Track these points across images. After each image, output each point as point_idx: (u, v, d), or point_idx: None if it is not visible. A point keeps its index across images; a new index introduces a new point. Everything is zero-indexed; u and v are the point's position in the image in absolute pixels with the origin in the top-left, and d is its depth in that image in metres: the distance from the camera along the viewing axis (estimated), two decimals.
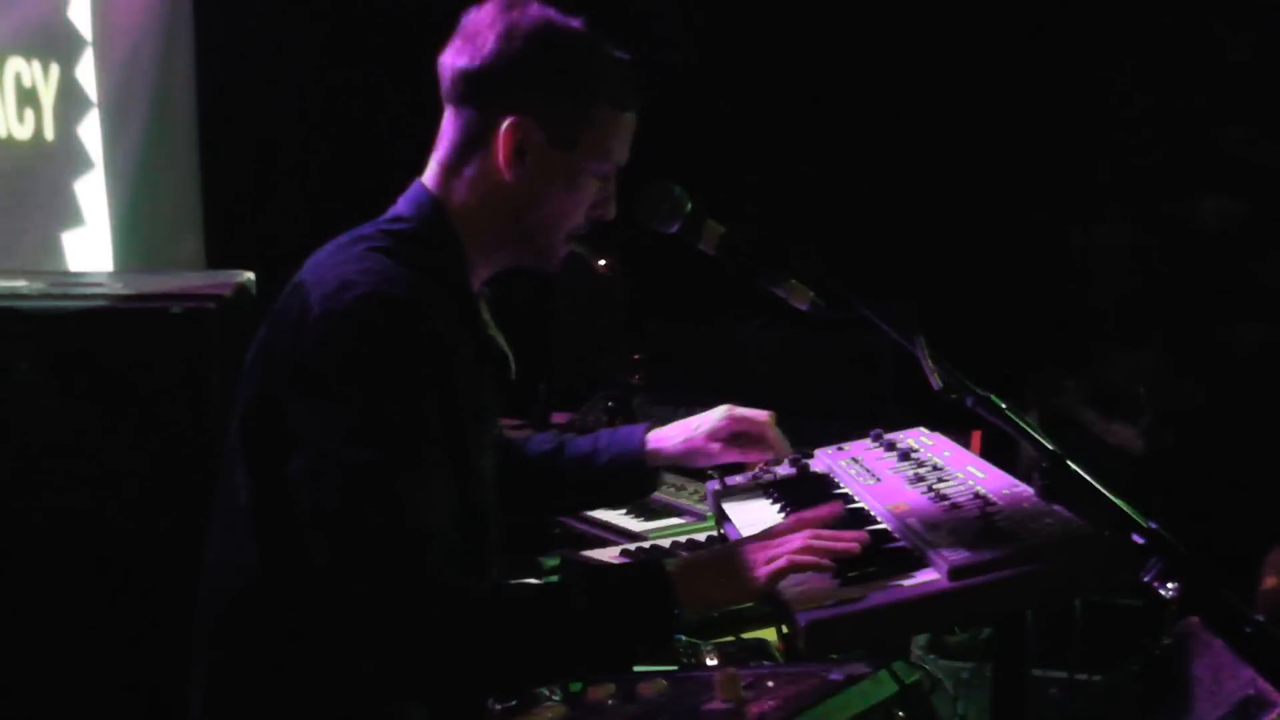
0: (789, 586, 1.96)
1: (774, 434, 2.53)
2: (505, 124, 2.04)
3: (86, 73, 4.61)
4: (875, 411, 4.74)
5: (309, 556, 1.90)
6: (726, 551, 2.01)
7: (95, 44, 4.65)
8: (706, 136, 6.98)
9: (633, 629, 1.89)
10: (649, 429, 2.55)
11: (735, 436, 2.53)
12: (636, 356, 4.94)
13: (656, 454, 2.53)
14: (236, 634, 2.06)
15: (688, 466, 2.62)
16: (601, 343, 5.06)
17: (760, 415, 2.52)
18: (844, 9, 7.06)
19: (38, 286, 3.18)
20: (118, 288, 3.29)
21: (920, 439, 2.50)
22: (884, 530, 2.11)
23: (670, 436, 2.52)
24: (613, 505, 3.44)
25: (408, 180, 2.18)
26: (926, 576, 1.88)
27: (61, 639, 2.93)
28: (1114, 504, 1.88)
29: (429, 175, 2.15)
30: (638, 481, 2.58)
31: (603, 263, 4.91)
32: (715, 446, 2.52)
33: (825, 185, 7.25)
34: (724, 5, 7.15)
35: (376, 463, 1.85)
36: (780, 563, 1.91)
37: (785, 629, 1.93)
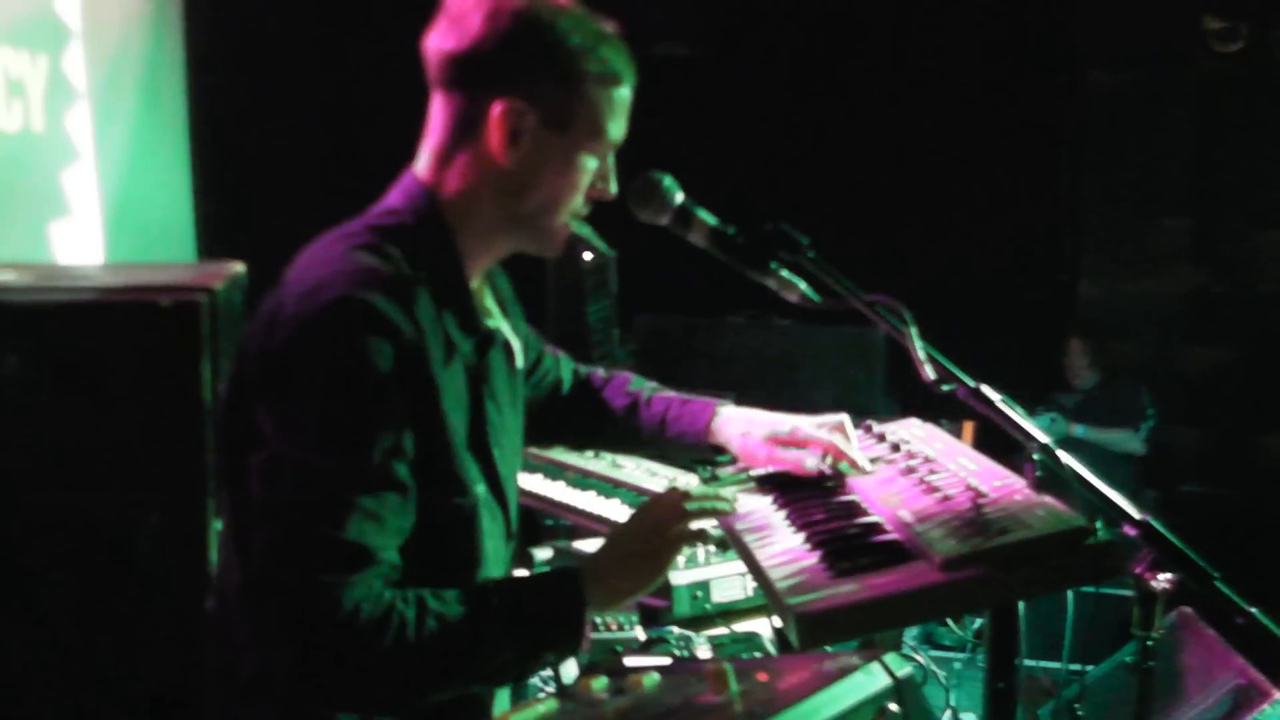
0: (781, 578, 1.96)
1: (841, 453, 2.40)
2: (498, 108, 2.00)
3: (75, 63, 4.60)
4: (867, 402, 4.76)
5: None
6: (621, 547, 2.07)
7: (84, 34, 4.63)
8: (699, 127, 7.00)
9: (544, 641, 1.97)
10: (720, 406, 2.52)
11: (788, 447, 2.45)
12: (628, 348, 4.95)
13: (716, 439, 2.51)
14: (234, 631, 2.05)
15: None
16: (593, 333, 5.05)
17: (827, 441, 2.39)
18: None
19: (25, 279, 3.17)
20: (106, 280, 3.28)
21: (912, 430, 2.50)
22: (876, 522, 2.10)
23: (741, 421, 2.49)
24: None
25: (402, 167, 2.15)
26: (918, 569, 1.88)
27: (51, 637, 2.91)
28: (1106, 495, 1.88)
29: (421, 165, 2.11)
30: (700, 454, 2.61)
31: (589, 256, 4.91)
32: (764, 452, 2.45)
33: (817, 175, 7.28)
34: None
35: (327, 471, 1.84)
36: (672, 541, 2.03)
37: (778, 620, 1.93)
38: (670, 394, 2.58)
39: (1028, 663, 2.06)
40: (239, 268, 3.37)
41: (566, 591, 1.98)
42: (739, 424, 2.47)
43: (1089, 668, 4.80)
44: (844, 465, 2.37)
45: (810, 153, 7.35)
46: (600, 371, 2.65)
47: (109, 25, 4.84)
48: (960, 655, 4.78)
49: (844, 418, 2.41)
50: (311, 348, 1.88)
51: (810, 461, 2.38)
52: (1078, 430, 6.62)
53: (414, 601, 1.87)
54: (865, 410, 4.61)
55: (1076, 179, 7.74)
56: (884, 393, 5.12)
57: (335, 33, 5.91)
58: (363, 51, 5.76)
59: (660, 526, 2.04)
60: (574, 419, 2.60)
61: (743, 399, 4.42)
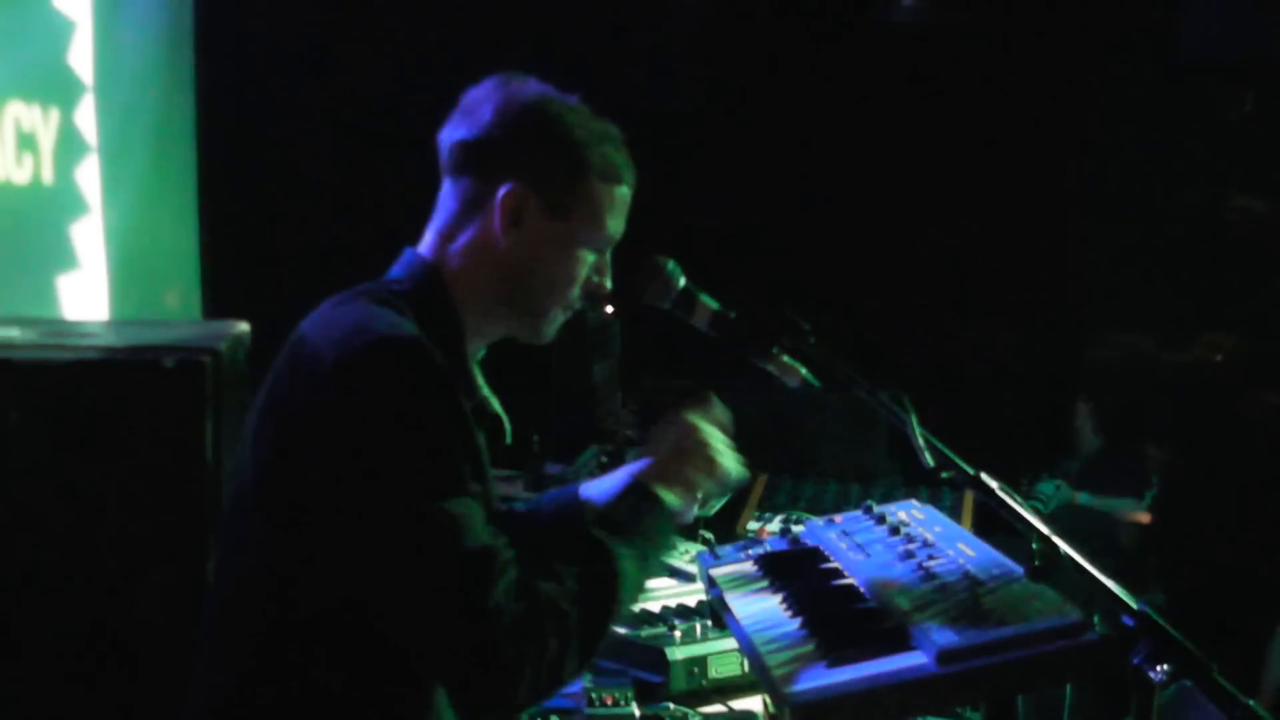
0: (777, 664, 1.96)
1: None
2: (502, 191, 2.07)
3: (86, 117, 4.62)
4: (870, 465, 4.74)
5: (336, 612, 1.93)
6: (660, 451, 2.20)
7: (96, 88, 4.66)
8: (701, 185, 7.03)
9: (655, 547, 2.09)
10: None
11: None
12: (631, 409, 4.94)
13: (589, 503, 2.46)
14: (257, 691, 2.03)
15: None
16: (597, 395, 5.05)
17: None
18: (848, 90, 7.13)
19: (30, 336, 3.18)
20: (111, 339, 3.29)
21: (912, 513, 2.50)
22: (872, 609, 2.10)
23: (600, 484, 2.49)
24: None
25: (410, 229, 2.19)
26: (914, 660, 1.88)
27: (52, 694, 2.91)
28: (1104, 585, 1.88)
29: (424, 244, 2.17)
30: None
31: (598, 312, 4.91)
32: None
33: (820, 230, 7.30)
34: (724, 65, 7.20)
35: (422, 497, 1.87)
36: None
37: (772, 707, 1.92)
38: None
39: None
40: (243, 327, 3.39)
41: (649, 501, 2.09)
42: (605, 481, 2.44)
43: None
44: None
45: (813, 208, 7.37)
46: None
47: (122, 79, 4.87)
48: None
49: (713, 399, 2.37)
50: (367, 386, 1.90)
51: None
52: (1081, 498, 6.60)
53: (546, 575, 1.92)
54: (867, 473, 4.61)
55: (1085, 240, 7.74)
56: (887, 455, 5.10)
57: (347, 91, 5.94)
58: (375, 111, 5.80)
59: (686, 436, 2.18)
60: None
61: (745, 462, 4.44)
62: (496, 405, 2.25)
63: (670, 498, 2.12)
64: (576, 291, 2.17)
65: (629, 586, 2.00)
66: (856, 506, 3.08)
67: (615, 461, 4.51)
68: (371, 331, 1.92)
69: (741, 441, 4.74)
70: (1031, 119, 7.22)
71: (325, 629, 1.97)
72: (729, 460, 2.21)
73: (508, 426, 2.29)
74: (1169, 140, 7.29)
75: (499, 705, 1.93)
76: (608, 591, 1.97)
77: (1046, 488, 6.57)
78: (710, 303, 2.25)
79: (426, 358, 1.92)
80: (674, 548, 2.08)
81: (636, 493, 2.11)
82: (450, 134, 2.13)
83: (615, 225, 2.16)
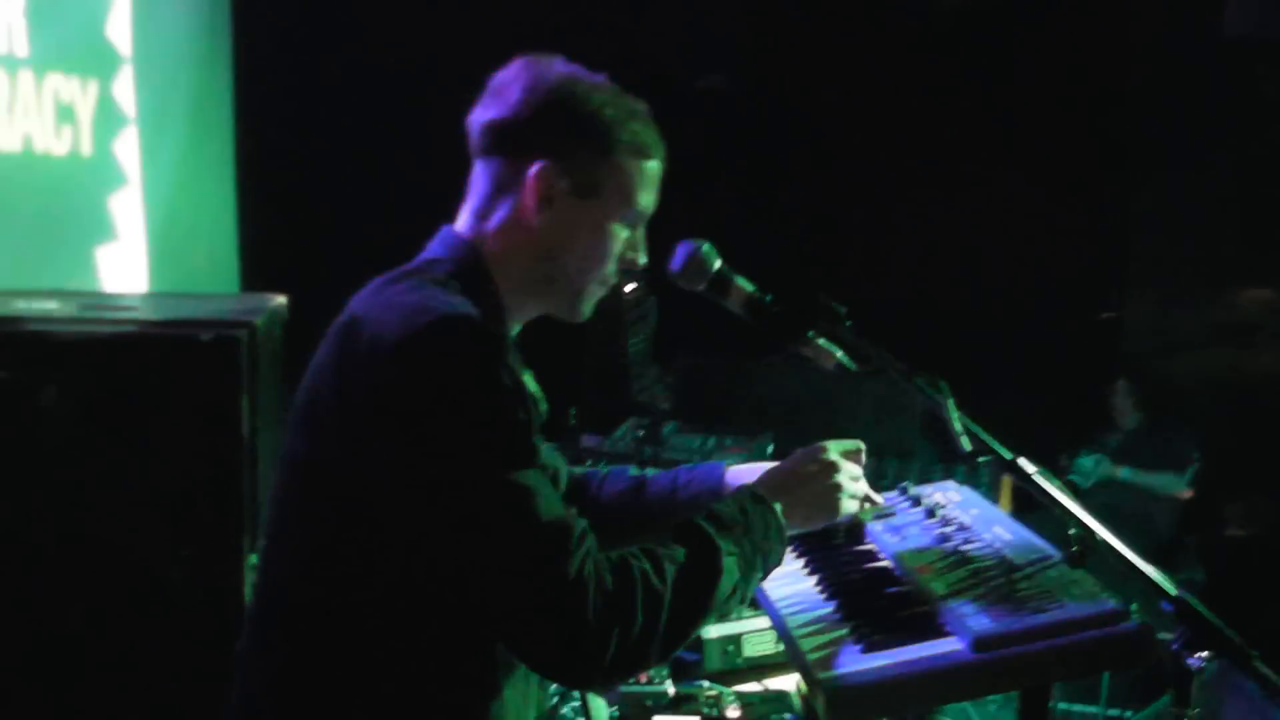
0: (811, 649, 1.94)
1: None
2: (532, 170, 2.07)
3: (125, 89, 4.64)
4: (906, 443, 4.73)
5: (398, 589, 1.93)
6: (784, 475, 2.18)
7: (134, 60, 4.67)
8: (738, 160, 7.00)
9: (763, 556, 2.03)
10: (728, 465, 2.51)
11: None
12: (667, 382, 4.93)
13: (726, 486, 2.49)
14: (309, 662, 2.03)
15: None
16: (633, 369, 5.05)
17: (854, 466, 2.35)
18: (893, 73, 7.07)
19: (68, 310, 3.19)
20: (148, 313, 3.30)
21: (948, 494, 2.47)
22: (908, 593, 2.08)
23: (750, 473, 2.48)
24: None
25: (446, 201, 2.19)
26: (949, 646, 1.86)
27: (82, 670, 2.93)
28: (1143, 572, 1.86)
29: (461, 223, 2.16)
30: None
31: (631, 286, 4.90)
32: None
33: (857, 204, 7.26)
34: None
35: (496, 472, 1.86)
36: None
37: (805, 692, 1.91)
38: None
39: (1064, 706, 2.03)
40: (280, 300, 3.39)
41: (762, 508, 2.06)
42: (754, 472, 2.45)
43: (1128, 714, 4.74)
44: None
45: (850, 182, 7.33)
46: (599, 470, 2.63)
47: (160, 51, 4.88)
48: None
49: (860, 444, 2.36)
50: (434, 366, 1.89)
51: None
52: (1122, 473, 6.55)
53: (643, 554, 1.91)
54: (904, 451, 4.60)
55: (1124, 211, 7.67)
56: (924, 431, 5.08)
57: (383, 62, 5.94)
58: (411, 82, 5.78)
59: (829, 469, 2.16)
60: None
61: (780, 440, 4.42)
62: (533, 384, 2.25)
63: (780, 512, 2.09)
64: (612, 268, 2.16)
65: (726, 585, 1.96)
66: (893, 482, 3.05)
67: (652, 435, 4.50)
68: (433, 311, 1.92)
69: (776, 418, 4.73)
70: (1070, 95, 7.17)
71: (390, 609, 1.96)
72: (849, 502, 2.19)
73: (543, 406, 2.28)
74: (1211, 111, 7.21)
75: (583, 676, 1.94)
76: (706, 585, 1.94)
77: (1086, 462, 6.53)
78: (746, 285, 2.23)
79: (490, 335, 1.93)
80: (779, 562, 2.04)
81: (751, 497, 2.09)
82: (479, 115, 2.13)
83: (647, 200, 2.15)
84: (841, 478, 2.17)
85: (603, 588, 1.83)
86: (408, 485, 1.90)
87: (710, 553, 1.95)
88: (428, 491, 1.89)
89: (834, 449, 2.20)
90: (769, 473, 2.19)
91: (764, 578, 2.05)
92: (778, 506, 2.08)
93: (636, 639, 1.86)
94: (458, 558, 1.89)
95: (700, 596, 1.94)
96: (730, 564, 1.96)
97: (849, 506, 2.19)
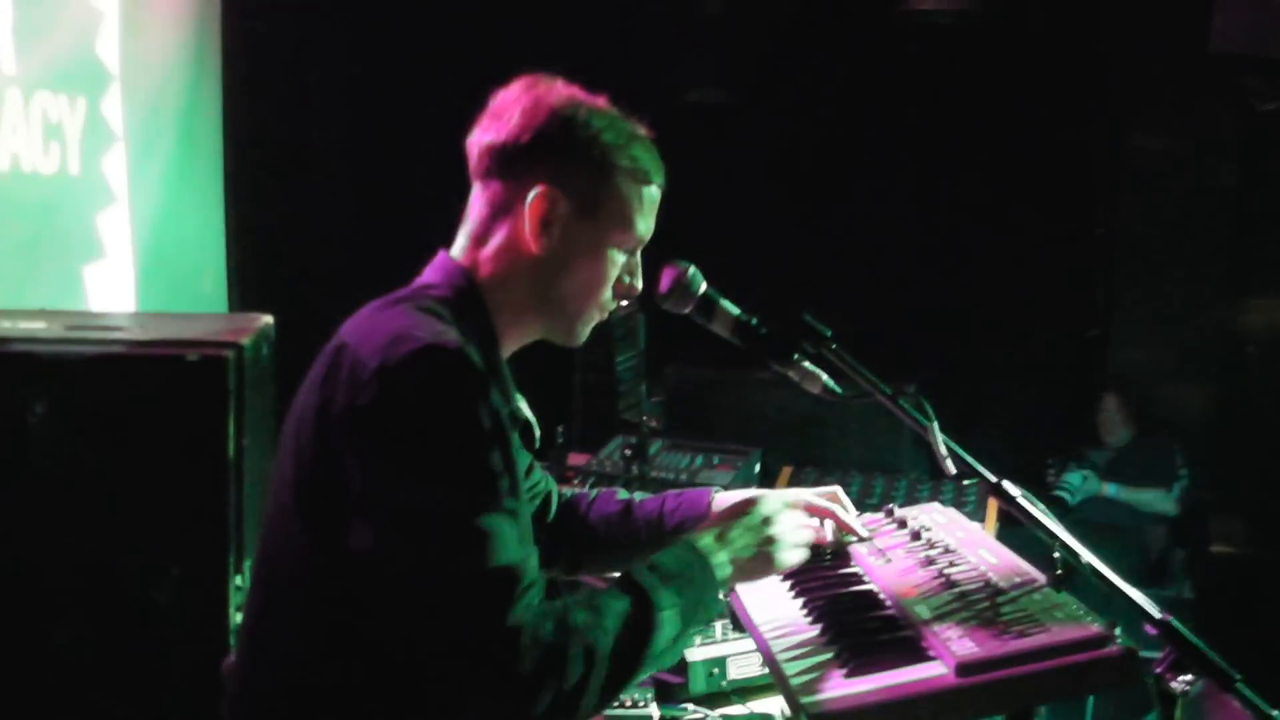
0: (795, 673, 1.95)
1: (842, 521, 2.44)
2: (532, 194, 2.07)
3: (113, 107, 4.63)
4: (893, 459, 4.72)
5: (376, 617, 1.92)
6: (728, 529, 2.13)
7: (123, 78, 4.66)
8: (731, 172, 7.00)
9: (701, 609, 2.02)
10: (716, 492, 2.51)
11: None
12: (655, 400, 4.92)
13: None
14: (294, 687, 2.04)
15: None
16: (620, 386, 5.04)
17: (826, 508, 2.42)
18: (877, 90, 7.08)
19: (55, 330, 3.18)
20: (135, 332, 3.29)
21: (934, 516, 2.48)
22: (892, 617, 2.08)
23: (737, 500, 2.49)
24: None
25: (437, 222, 2.19)
26: (933, 670, 1.87)
27: (68, 688, 2.92)
28: (1126, 595, 1.87)
29: (456, 248, 2.17)
30: None
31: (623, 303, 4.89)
32: None
33: (847, 222, 7.27)
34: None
35: (457, 508, 1.86)
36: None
37: (789, 715, 1.92)
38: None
39: None
40: (267, 320, 3.38)
41: (701, 560, 2.05)
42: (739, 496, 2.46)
43: None
44: (845, 535, 2.41)
45: (840, 201, 7.35)
46: (589, 493, 2.63)
47: (148, 69, 4.87)
48: None
49: (837, 489, 2.44)
50: (410, 393, 1.89)
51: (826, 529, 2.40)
52: (1109, 489, 6.56)
53: (586, 604, 1.91)
54: (891, 467, 4.59)
55: (1111, 231, 7.69)
56: (911, 449, 5.07)
57: (373, 81, 5.94)
58: (402, 101, 5.79)
59: (768, 522, 2.13)
60: (561, 547, 2.56)
61: (769, 454, 4.41)
62: (527, 411, 2.25)
63: (721, 563, 2.08)
64: (609, 293, 2.17)
65: (665, 637, 1.96)
66: (880, 500, 3.04)
67: (639, 453, 4.49)
68: (416, 339, 1.91)
69: (766, 433, 4.71)
70: (1058, 112, 7.19)
71: (363, 632, 1.96)
72: (788, 554, 2.16)
73: (537, 432, 2.29)
74: (1198, 125, 7.24)
75: None
76: (645, 637, 1.94)
77: (1074, 478, 6.54)
78: (731, 309, 2.23)
79: (470, 367, 1.91)
80: (720, 612, 2.04)
81: (691, 550, 2.07)
82: (479, 138, 2.13)
83: (645, 225, 2.16)
84: (777, 529, 2.14)
85: (539, 638, 1.83)
86: (368, 510, 1.89)
87: (651, 606, 1.95)
88: (384, 519, 1.88)
89: (771, 501, 2.18)
90: (710, 522, 2.17)
91: (704, 628, 2.05)
92: (715, 561, 2.07)
93: (571, 690, 1.85)
94: (402, 590, 1.88)
95: (639, 648, 1.94)
96: (671, 616, 1.96)
97: (788, 559, 2.16)
